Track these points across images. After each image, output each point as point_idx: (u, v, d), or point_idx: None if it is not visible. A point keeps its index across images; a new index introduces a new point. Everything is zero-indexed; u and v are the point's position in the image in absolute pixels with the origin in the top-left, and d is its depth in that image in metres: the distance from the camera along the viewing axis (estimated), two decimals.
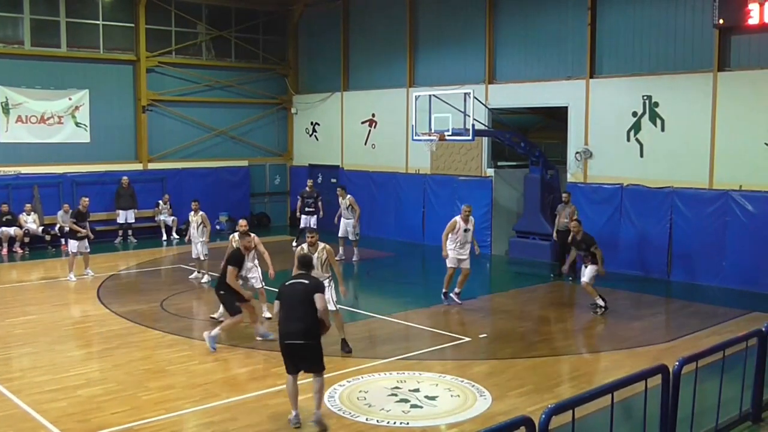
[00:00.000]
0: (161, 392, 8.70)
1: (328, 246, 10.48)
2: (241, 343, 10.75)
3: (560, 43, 17.60)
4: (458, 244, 13.21)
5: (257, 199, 24.27)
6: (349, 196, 17.78)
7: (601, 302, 12.64)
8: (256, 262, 12.01)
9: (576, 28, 17.19)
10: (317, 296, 7.59)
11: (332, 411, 8.10)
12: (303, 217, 18.70)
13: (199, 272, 15.30)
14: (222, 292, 10.59)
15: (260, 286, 11.99)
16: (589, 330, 12.11)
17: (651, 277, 15.69)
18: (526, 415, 4.73)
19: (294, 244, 19.05)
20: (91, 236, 15.87)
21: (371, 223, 20.98)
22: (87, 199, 15.87)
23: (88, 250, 15.69)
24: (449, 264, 13.32)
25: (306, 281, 7.77)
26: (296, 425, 7.59)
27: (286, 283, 7.81)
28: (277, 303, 7.73)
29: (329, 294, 10.32)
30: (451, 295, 13.27)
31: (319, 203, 18.89)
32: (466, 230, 13.25)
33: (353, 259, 17.54)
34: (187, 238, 16.63)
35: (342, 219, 17.78)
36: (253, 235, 11.84)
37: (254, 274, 11.95)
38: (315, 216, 18.62)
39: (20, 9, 19.73)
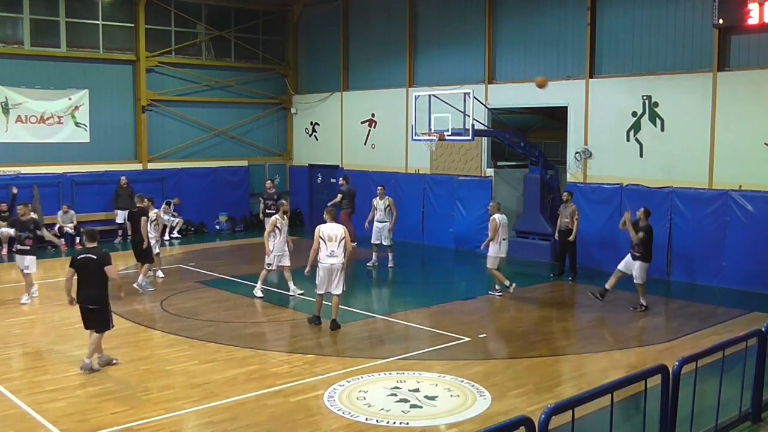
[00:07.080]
0: (161, 392, 8.69)
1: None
2: (241, 343, 10.74)
3: (560, 43, 17.59)
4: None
5: (257, 199, 24.21)
6: (388, 197, 16.92)
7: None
8: None
9: (576, 28, 17.19)
10: (108, 268, 9.21)
11: (332, 411, 8.09)
12: (267, 219, 17.53)
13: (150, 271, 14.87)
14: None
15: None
16: (588, 330, 12.10)
17: (651, 277, 15.56)
18: (526, 415, 4.74)
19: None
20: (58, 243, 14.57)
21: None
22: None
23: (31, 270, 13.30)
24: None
25: (95, 256, 9.23)
26: None
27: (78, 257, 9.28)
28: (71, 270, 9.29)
29: None
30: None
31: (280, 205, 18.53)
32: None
33: (388, 266, 16.83)
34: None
35: (375, 222, 16.79)
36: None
37: None
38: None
39: (20, 9, 19.70)
